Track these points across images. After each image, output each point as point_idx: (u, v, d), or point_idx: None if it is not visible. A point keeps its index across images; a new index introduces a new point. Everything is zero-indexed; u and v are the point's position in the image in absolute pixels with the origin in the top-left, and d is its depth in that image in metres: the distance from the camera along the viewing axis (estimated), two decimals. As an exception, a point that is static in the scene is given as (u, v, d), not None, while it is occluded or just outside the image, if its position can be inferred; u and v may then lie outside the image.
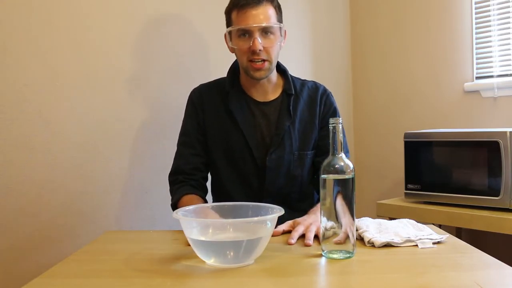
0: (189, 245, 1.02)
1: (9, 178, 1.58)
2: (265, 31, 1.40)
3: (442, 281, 0.89)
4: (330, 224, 1.03)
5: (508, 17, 2.16)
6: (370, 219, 1.26)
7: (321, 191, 1.04)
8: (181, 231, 1.05)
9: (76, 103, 1.73)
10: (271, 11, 1.40)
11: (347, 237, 1.02)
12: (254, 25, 1.37)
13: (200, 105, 1.53)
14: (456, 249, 1.10)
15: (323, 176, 1.04)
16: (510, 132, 1.72)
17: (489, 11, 2.21)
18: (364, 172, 2.70)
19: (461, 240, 1.17)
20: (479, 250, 1.08)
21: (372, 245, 1.11)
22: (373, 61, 2.70)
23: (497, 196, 1.75)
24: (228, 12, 1.45)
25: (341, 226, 1.02)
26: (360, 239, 1.15)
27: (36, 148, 1.63)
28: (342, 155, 1.04)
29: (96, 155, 1.78)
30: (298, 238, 1.17)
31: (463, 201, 1.85)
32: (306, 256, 1.05)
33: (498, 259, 1.00)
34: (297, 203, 1.52)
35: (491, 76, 2.22)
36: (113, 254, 1.11)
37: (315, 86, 1.57)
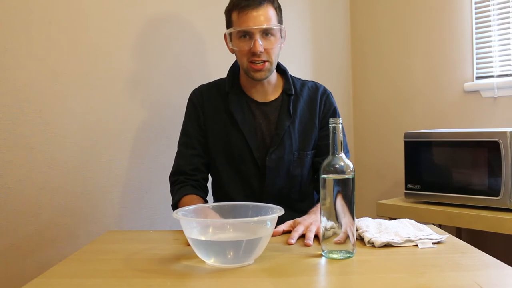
0: (189, 245, 1.02)
1: (9, 178, 1.58)
2: (266, 33, 1.40)
3: (442, 281, 0.89)
4: (330, 224, 1.03)
5: (508, 17, 2.16)
6: (370, 219, 1.26)
7: (321, 191, 1.04)
8: (181, 231, 1.05)
9: (76, 103, 1.73)
10: (271, 12, 1.40)
11: (347, 237, 1.02)
12: (255, 27, 1.37)
13: (200, 106, 1.53)
14: (456, 249, 1.10)
15: (323, 176, 1.04)
16: (510, 132, 1.72)
17: (489, 11, 2.21)
18: (364, 172, 2.70)
19: (461, 240, 1.17)
20: (479, 250, 1.08)
21: (372, 245, 1.11)
22: (373, 61, 2.70)
23: (497, 196, 1.75)
24: (228, 12, 1.45)
25: (341, 226, 1.02)
26: (360, 239, 1.15)
27: (36, 148, 1.63)
28: (342, 155, 1.04)
29: (96, 155, 1.78)
30: (298, 238, 1.17)
31: (463, 201, 1.85)
32: (306, 256, 1.05)
33: (498, 259, 1.00)
34: (297, 203, 1.52)
35: (491, 76, 2.22)
36: (113, 254, 1.11)
37: (315, 86, 1.57)
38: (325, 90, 1.57)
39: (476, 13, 2.26)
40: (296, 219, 1.26)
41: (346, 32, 2.77)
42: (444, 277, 0.91)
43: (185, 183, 1.47)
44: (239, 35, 1.41)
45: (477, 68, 2.27)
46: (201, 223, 1.06)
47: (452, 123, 2.34)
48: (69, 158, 1.71)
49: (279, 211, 1.04)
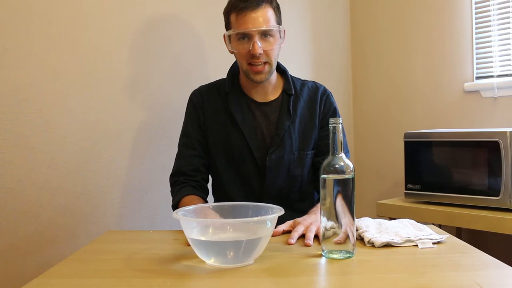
0: (189, 245, 1.02)
1: (9, 178, 1.58)
2: (265, 34, 1.39)
3: (442, 281, 0.89)
4: (330, 224, 1.03)
5: (508, 17, 2.16)
6: (370, 219, 1.26)
7: (321, 191, 1.04)
8: (181, 231, 1.05)
9: (76, 103, 1.73)
10: (270, 13, 1.40)
11: (347, 237, 1.02)
12: (254, 29, 1.36)
13: (200, 106, 1.53)
14: (456, 249, 1.10)
15: (323, 176, 1.04)
16: (510, 132, 1.72)
17: (489, 11, 2.21)
18: (364, 172, 2.70)
19: (461, 240, 1.17)
20: (479, 250, 1.08)
21: (372, 245, 1.11)
22: (373, 61, 2.70)
23: (497, 196, 1.75)
24: (227, 14, 1.44)
25: (341, 226, 1.02)
26: (360, 239, 1.15)
27: (36, 148, 1.63)
28: (342, 155, 1.04)
29: (96, 155, 1.78)
30: (298, 238, 1.17)
31: (463, 201, 1.85)
32: (306, 256, 1.05)
33: (498, 259, 1.00)
34: (297, 203, 1.52)
35: (491, 76, 2.22)
36: (113, 254, 1.11)
37: (315, 86, 1.57)
38: (325, 90, 1.57)
39: (476, 13, 2.26)
40: (296, 219, 1.26)
41: (346, 32, 2.77)
42: (444, 277, 0.91)
43: (185, 184, 1.47)
44: (237, 37, 1.40)
45: (477, 68, 2.27)
46: (201, 223, 1.06)
47: (452, 123, 2.34)
48: (69, 158, 1.71)
49: (279, 211, 1.04)
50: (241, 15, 1.37)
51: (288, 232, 1.22)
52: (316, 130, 1.52)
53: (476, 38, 2.26)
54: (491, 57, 2.22)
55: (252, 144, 1.47)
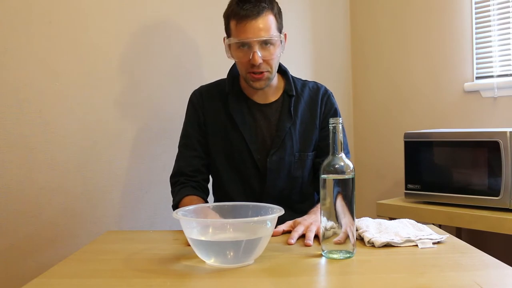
0: (189, 245, 1.02)
1: (9, 178, 1.58)
2: (265, 43, 1.37)
3: (442, 281, 0.89)
4: (330, 224, 1.03)
5: (508, 17, 2.16)
6: (370, 219, 1.26)
7: (321, 191, 1.04)
8: (181, 231, 1.05)
9: (76, 103, 1.73)
10: (271, 19, 1.37)
11: (347, 237, 1.02)
12: (254, 39, 1.34)
13: (200, 106, 1.53)
14: (456, 249, 1.10)
15: (323, 176, 1.04)
16: (510, 132, 1.72)
17: (489, 11, 2.21)
18: (364, 172, 2.70)
19: (461, 240, 1.17)
20: (479, 250, 1.08)
21: (372, 245, 1.11)
22: (373, 61, 2.70)
23: (497, 196, 1.75)
24: (227, 18, 1.41)
25: (341, 226, 1.02)
26: (360, 239, 1.15)
27: (36, 148, 1.63)
28: (342, 155, 1.04)
29: (96, 155, 1.78)
30: (298, 238, 1.17)
31: (463, 201, 1.85)
32: (306, 256, 1.05)
33: (498, 259, 1.00)
34: (297, 204, 1.52)
35: (491, 76, 2.22)
36: (113, 254, 1.11)
37: (316, 87, 1.56)
38: (326, 90, 1.56)
39: (476, 13, 2.26)
40: (296, 219, 1.26)
41: (346, 32, 2.77)
42: (444, 277, 0.91)
43: (185, 184, 1.47)
44: (237, 45, 1.38)
45: (477, 68, 2.27)
46: (201, 223, 1.06)
47: (452, 123, 2.34)
48: (69, 158, 1.71)
49: (279, 211, 1.04)
50: (241, 24, 1.35)
51: (288, 232, 1.22)
52: (316, 131, 1.52)
53: (476, 38, 2.26)
54: (491, 57, 2.22)
55: (252, 146, 1.46)
